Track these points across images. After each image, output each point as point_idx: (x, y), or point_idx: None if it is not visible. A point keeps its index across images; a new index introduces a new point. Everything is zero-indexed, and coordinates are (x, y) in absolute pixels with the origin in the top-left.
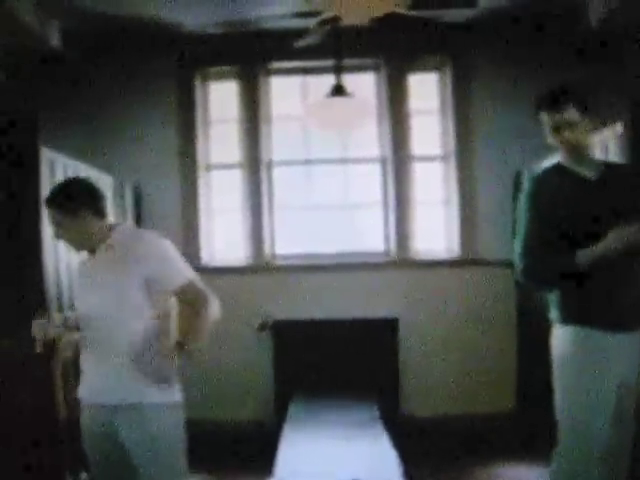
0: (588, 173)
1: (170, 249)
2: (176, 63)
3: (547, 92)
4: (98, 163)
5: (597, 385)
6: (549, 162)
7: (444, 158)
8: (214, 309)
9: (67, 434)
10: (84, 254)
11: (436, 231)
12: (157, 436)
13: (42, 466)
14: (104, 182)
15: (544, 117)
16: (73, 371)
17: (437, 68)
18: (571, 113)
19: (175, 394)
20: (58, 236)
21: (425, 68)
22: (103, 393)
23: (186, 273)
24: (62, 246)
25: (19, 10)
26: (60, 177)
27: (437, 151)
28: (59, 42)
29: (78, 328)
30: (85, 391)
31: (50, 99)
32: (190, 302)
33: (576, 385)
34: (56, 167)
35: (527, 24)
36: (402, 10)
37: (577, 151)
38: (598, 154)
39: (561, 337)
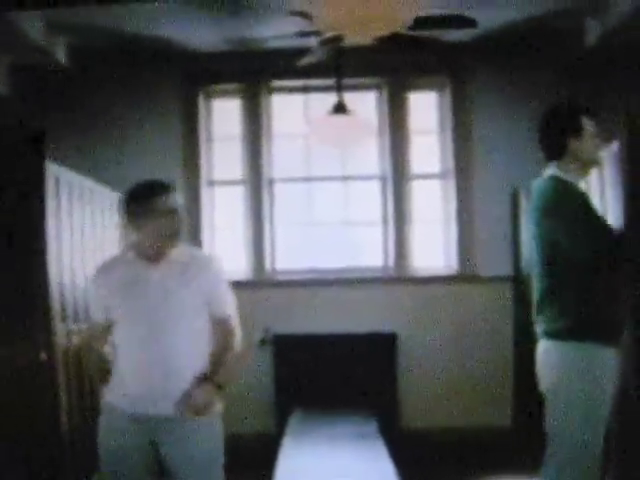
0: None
1: (224, 275)
2: (180, 80)
3: (580, 100)
4: (102, 178)
5: (605, 398)
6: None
7: (443, 176)
8: (237, 348)
9: (71, 442)
10: (121, 260)
11: (434, 247)
12: (201, 449)
13: (45, 473)
14: (109, 197)
15: (587, 122)
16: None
17: (437, 88)
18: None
19: (216, 407)
20: (169, 227)
21: (425, 87)
22: (148, 404)
23: (229, 307)
24: (66, 258)
25: (25, 25)
26: (65, 192)
27: (436, 169)
28: (65, 58)
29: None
30: (124, 399)
31: (55, 114)
32: (221, 336)
33: (590, 400)
34: (61, 183)
35: (526, 44)
36: (403, 30)
37: (591, 165)
38: (593, 174)
39: (568, 353)
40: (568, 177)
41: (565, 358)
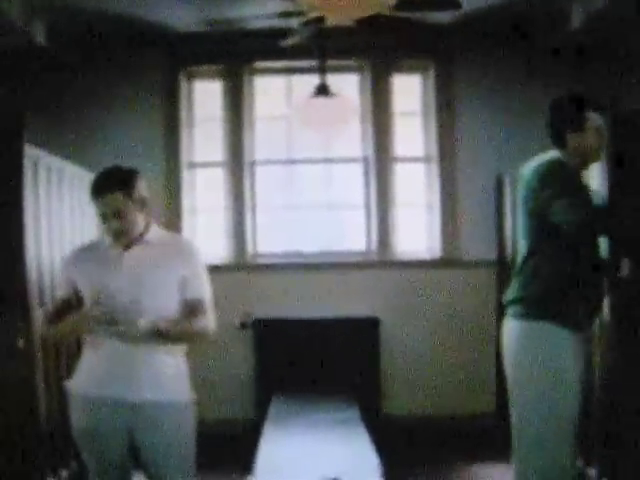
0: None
1: (201, 261)
2: (161, 62)
3: (588, 93)
4: (83, 161)
5: (561, 379)
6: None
7: (426, 159)
8: (203, 335)
9: (48, 430)
10: (98, 244)
11: (418, 231)
12: (173, 435)
13: (22, 464)
14: (89, 181)
15: (592, 117)
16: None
17: (420, 70)
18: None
19: (190, 393)
20: (112, 226)
21: (408, 70)
22: (118, 390)
23: (203, 291)
24: (45, 242)
25: (4, 6)
26: (43, 175)
27: (419, 152)
28: (45, 39)
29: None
30: (92, 385)
31: (34, 96)
32: (192, 313)
33: (544, 381)
34: (40, 166)
35: (511, 27)
36: (386, 12)
37: (592, 160)
38: None
39: (525, 331)
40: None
41: (522, 336)
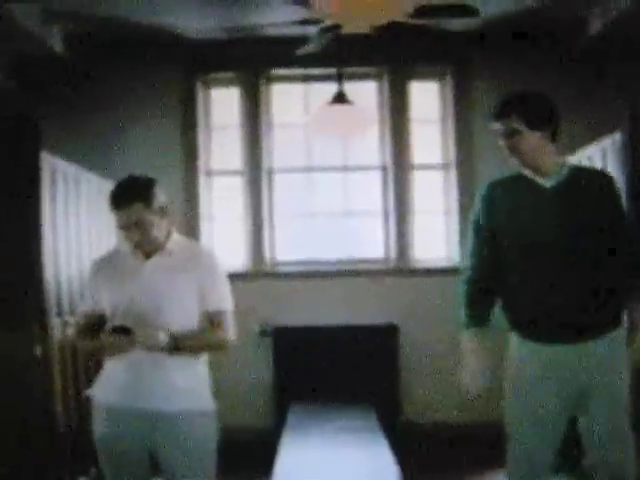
0: (544, 181)
1: (223, 271)
2: (178, 69)
3: (497, 102)
4: (99, 168)
5: (521, 390)
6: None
7: (444, 167)
8: (221, 346)
9: (66, 436)
10: (118, 253)
11: (436, 239)
12: (194, 443)
13: (40, 470)
14: (106, 188)
15: (493, 125)
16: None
17: (438, 77)
18: (515, 122)
19: (211, 402)
20: (133, 237)
21: (426, 77)
22: (140, 399)
23: (224, 302)
24: (62, 250)
25: (22, 15)
26: (61, 183)
27: (437, 160)
28: (62, 47)
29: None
30: (113, 394)
31: (51, 104)
32: (212, 327)
33: (509, 386)
34: (57, 174)
35: (529, 34)
36: (404, 19)
37: (527, 159)
38: (597, 163)
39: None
40: (527, 172)
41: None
